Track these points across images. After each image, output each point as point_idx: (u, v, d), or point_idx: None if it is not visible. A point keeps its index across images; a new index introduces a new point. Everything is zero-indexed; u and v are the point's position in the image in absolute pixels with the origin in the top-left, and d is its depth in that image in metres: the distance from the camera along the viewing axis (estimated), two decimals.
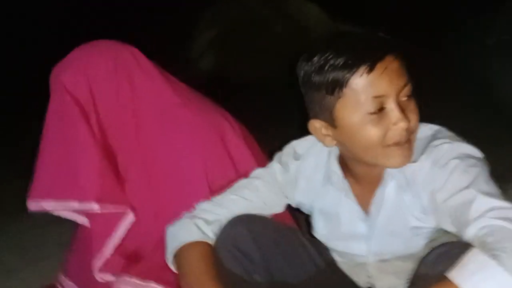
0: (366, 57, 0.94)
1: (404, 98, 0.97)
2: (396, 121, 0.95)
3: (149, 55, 1.42)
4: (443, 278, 0.81)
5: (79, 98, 1.33)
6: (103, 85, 1.35)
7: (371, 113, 0.96)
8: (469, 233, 0.86)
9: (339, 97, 0.97)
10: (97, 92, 1.34)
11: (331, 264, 1.20)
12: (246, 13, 4.57)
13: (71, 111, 1.32)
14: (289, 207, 1.27)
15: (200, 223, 1.12)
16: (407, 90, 0.97)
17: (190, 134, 1.37)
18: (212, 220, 1.13)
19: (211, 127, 1.41)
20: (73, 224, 1.62)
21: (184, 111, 1.39)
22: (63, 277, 1.73)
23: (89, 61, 1.34)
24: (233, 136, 1.44)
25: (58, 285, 1.74)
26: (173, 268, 1.13)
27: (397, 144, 0.97)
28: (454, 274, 0.79)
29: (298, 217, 1.38)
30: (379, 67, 0.94)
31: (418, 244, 1.06)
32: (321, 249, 1.20)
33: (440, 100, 2.99)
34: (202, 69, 4.52)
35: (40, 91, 1.46)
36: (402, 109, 0.96)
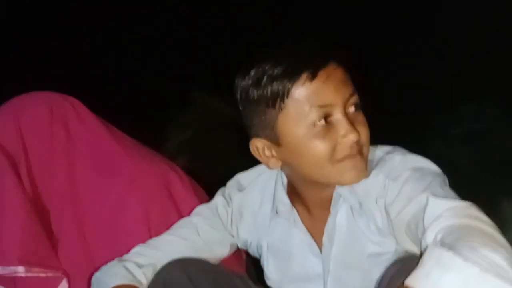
0: (307, 64, 0.88)
1: (352, 109, 0.90)
2: (345, 133, 0.88)
3: None
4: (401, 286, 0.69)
5: (8, 148, 1.21)
6: (35, 134, 1.24)
7: (317, 125, 0.88)
8: (427, 240, 0.75)
9: (281, 110, 0.89)
10: (29, 142, 1.24)
11: None
12: (216, 116, 4.65)
13: None
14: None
15: (130, 266, 0.98)
16: (354, 100, 0.91)
17: (131, 186, 1.25)
18: (145, 264, 0.99)
19: (156, 179, 1.29)
20: None
21: (126, 161, 1.28)
22: None
23: (21, 112, 1.25)
24: (181, 187, 1.31)
25: None
26: None
27: (348, 156, 0.88)
28: (411, 279, 0.68)
29: (250, 265, 1.22)
30: (322, 74, 0.88)
31: (375, 276, 0.92)
32: None
33: None
34: None
35: None
36: (351, 121, 0.88)
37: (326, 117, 0.88)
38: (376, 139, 0.98)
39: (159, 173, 1.30)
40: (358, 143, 0.89)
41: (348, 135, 0.88)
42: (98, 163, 1.27)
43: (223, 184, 1.18)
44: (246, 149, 0.99)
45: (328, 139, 0.88)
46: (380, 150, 0.98)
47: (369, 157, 0.96)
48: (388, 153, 0.95)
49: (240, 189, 1.09)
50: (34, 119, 1.25)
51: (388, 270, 0.83)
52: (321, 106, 0.88)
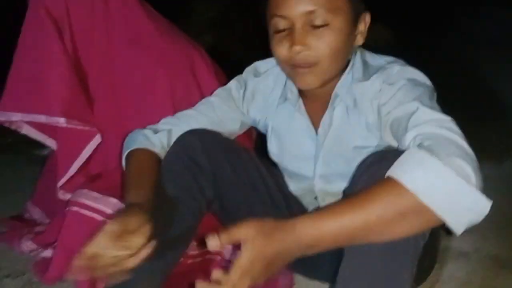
0: None
1: (313, 25, 0.99)
2: (290, 45, 1.00)
3: None
4: (383, 178, 0.81)
5: (54, 15, 1.34)
6: (79, 4, 1.36)
7: (276, 33, 1.02)
8: (407, 140, 0.87)
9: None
10: (73, 10, 1.36)
11: (285, 194, 1.23)
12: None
13: (45, 26, 1.33)
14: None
15: (148, 133, 1.16)
16: (315, 16, 0.98)
17: (160, 61, 1.39)
18: (160, 129, 1.17)
19: (182, 57, 1.43)
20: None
21: (157, 39, 1.41)
22: (30, 204, 1.77)
23: None
24: (204, 69, 1.46)
25: (26, 213, 1.78)
26: None
27: (297, 66, 1.02)
28: (393, 171, 0.79)
29: (257, 141, 1.41)
30: None
31: None
32: (272, 171, 1.23)
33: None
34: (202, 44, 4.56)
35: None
36: (305, 35, 0.99)
37: (284, 27, 1.00)
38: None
39: (185, 53, 1.44)
40: (307, 55, 0.99)
41: (293, 47, 0.99)
42: (133, 38, 1.40)
43: (242, 65, 1.30)
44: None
45: (283, 46, 1.01)
46: (382, 59, 1.09)
47: (372, 64, 1.08)
48: (389, 62, 1.06)
49: (256, 75, 1.23)
50: None
51: (367, 157, 0.95)
52: (280, 17, 0.99)
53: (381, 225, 0.78)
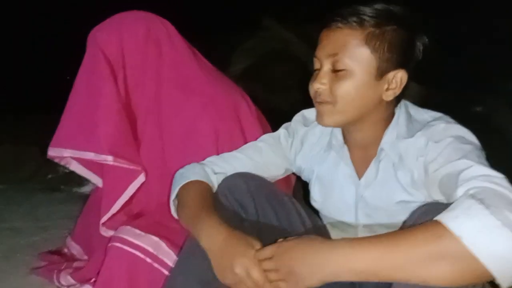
0: (328, 18, 1.06)
1: (335, 69, 1.05)
2: (311, 81, 1.08)
3: None
4: (430, 220, 0.82)
5: (110, 57, 1.42)
6: (133, 48, 1.44)
7: (313, 71, 1.09)
8: (458, 194, 0.85)
9: None
10: (127, 54, 1.43)
11: (321, 230, 1.23)
12: (283, 47, 4.74)
13: (101, 68, 1.40)
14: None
15: (208, 170, 1.19)
16: (337, 61, 1.04)
17: (206, 106, 1.44)
18: (218, 172, 1.20)
19: (227, 103, 1.48)
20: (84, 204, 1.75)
21: (204, 84, 1.47)
22: (70, 240, 1.81)
23: (124, 26, 1.44)
24: (248, 114, 1.51)
25: (65, 249, 1.82)
26: (173, 208, 1.18)
27: (316, 102, 1.09)
28: (441, 216, 0.80)
29: (299, 188, 1.42)
30: (325, 31, 1.06)
31: (402, 218, 1.05)
32: (314, 218, 1.24)
33: None
34: None
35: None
36: (327, 76, 1.06)
37: (320, 67, 1.07)
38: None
39: (231, 99, 1.49)
40: (324, 94, 1.06)
41: (311, 83, 1.07)
42: (181, 82, 1.46)
43: (278, 113, 1.34)
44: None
45: (311, 84, 1.09)
46: (428, 115, 1.10)
47: (417, 118, 1.10)
48: (434, 119, 1.08)
49: (306, 124, 1.27)
50: (134, 37, 1.43)
51: (421, 206, 0.94)
52: (315, 57, 1.08)
53: (415, 262, 0.78)
